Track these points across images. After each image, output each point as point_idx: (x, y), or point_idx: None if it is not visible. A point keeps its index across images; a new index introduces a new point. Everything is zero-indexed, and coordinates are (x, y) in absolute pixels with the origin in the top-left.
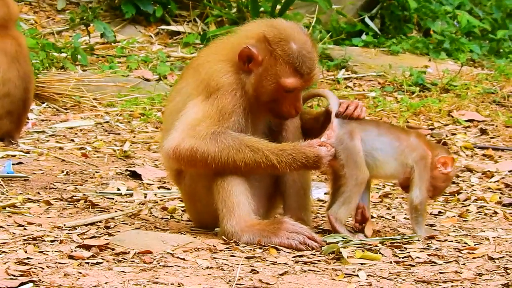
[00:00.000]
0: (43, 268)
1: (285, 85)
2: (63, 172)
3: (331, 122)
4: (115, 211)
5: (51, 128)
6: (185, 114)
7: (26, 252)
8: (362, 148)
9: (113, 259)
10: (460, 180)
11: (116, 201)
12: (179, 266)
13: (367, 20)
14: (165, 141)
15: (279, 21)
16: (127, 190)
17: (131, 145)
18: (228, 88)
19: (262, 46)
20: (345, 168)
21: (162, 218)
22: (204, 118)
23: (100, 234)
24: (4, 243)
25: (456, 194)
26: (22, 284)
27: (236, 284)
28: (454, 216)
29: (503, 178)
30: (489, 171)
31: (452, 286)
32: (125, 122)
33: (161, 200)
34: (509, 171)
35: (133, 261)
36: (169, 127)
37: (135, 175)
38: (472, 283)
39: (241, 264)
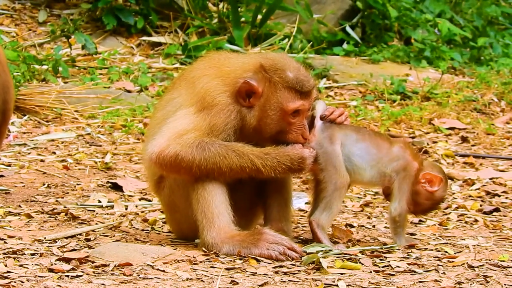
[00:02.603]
0: (23, 282)
1: (289, 108)
2: (44, 184)
3: (314, 126)
4: (96, 224)
5: (32, 140)
6: (173, 122)
7: (6, 265)
8: (342, 152)
9: (93, 271)
10: None
11: (97, 213)
12: (159, 278)
13: (348, 29)
14: (149, 145)
15: (271, 54)
16: (108, 202)
17: (112, 156)
18: (223, 108)
19: (260, 76)
20: (324, 172)
21: (143, 230)
22: (193, 130)
23: (81, 246)
24: None
25: None
26: None
27: None
28: (435, 224)
29: (484, 186)
30: (470, 179)
31: None
32: (106, 133)
33: (142, 212)
34: (490, 179)
35: (113, 273)
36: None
37: (116, 187)
38: None
39: (221, 275)
